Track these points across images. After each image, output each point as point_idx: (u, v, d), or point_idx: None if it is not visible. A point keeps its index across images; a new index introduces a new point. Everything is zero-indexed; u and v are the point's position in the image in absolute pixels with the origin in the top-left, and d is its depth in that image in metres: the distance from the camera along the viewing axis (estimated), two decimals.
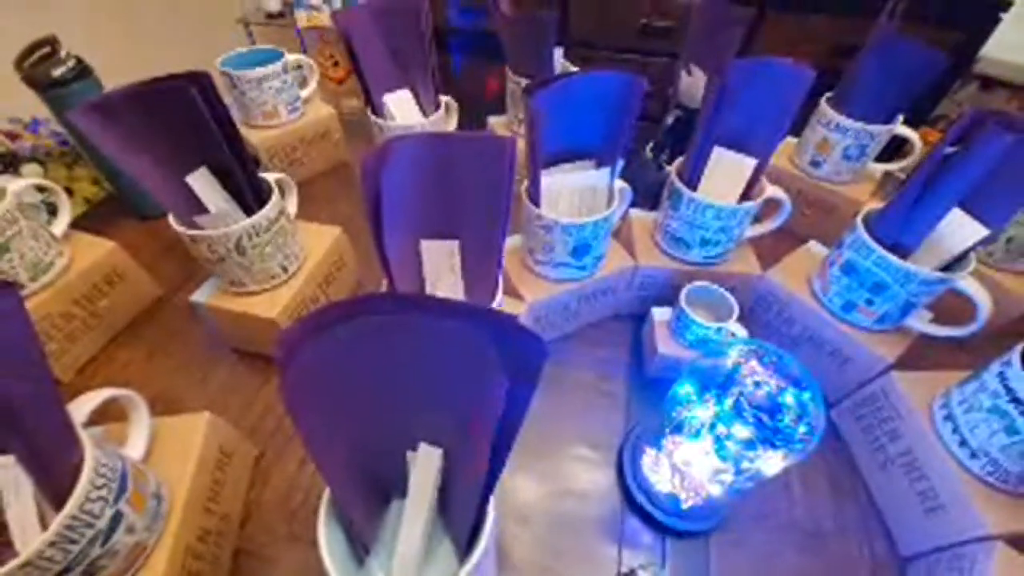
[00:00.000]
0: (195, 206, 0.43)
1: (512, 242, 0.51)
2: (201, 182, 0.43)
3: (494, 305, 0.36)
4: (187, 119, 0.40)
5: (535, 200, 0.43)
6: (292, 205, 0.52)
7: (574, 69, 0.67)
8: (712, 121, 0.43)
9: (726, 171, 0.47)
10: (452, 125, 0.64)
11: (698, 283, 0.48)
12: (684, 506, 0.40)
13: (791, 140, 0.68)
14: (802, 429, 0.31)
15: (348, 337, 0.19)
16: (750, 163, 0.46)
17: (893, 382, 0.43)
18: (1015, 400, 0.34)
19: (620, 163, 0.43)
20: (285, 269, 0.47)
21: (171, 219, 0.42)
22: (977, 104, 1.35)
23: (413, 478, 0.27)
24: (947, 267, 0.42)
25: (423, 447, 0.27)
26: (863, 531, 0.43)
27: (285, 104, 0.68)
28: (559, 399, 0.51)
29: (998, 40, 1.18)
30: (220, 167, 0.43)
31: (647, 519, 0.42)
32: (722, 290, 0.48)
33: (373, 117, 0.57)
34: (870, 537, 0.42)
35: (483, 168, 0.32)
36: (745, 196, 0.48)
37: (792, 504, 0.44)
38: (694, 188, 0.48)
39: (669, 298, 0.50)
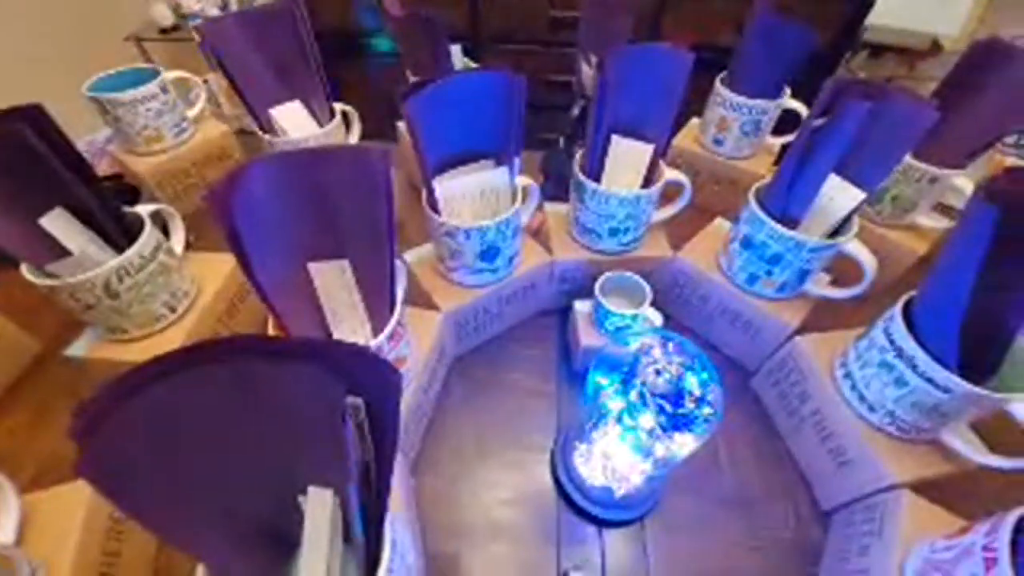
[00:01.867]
0: (58, 250, 0.39)
1: (424, 251, 0.50)
2: (58, 223, 0.39)
3: (392, 322, 0.34)
4: (25, 159, 0.35)
5: (433, 207, 0.42)
6: (178, 237, 0.47)
7: (475, 67, 0.66)
8: (601, 110, 0.43)
9: (626, 159, 0.47)
10: (355, 135, 0.61)
11: (612, 272, 0.48)
12: (618, 495, 0.40)
13: (696, 121, 0.70)
14: (706, 411, 0.31)
15: (169, 397, 0.17)
16: (647, 149, 0.47)
17: (797, 346, 0.44)
18: (900, 354, 0.36)
19: (517, 161, 0.42)
20: (173, 309, 0.43)
21: (24, 270, 0.38)
22: (870, 72, 1.45)
23: (306, 523, 0.25)
24: (837, 231, 0.44)
25: (311, 490, 0.25)
26: (788, 493, 0.44)
27: (169, 126, 0.62)
28: (493, 404, 0.50)
29: (882, 8, 1.26)
30: (79, 206, 0.39)
31: (583, 514, 0.42)
32: (636, 277, 0.48)
33: (261, 134, 0.53)
34: (795, 497, 0.44)
35: (357, 182, 0.31)
36: (648, 182, 0.48)
37: (720, 474, 0.45)
38: (598, 178, 0.48)
39: (590, 289, 0.50)
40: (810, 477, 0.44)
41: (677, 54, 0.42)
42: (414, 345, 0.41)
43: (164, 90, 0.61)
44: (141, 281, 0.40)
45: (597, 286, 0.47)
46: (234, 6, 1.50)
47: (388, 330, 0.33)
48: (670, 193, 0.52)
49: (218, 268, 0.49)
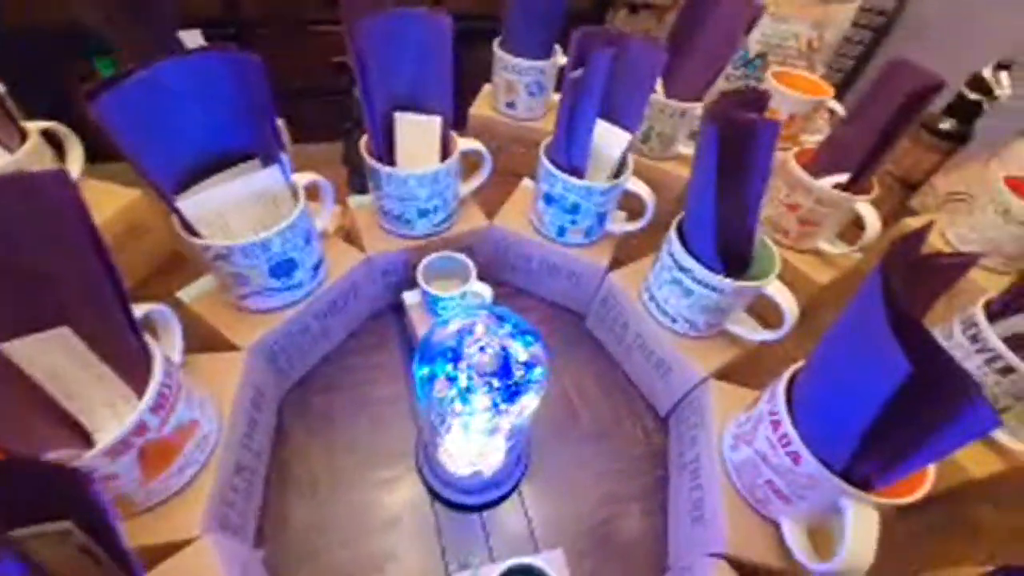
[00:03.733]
0: None
1: (203, 284, 0.41)
2: None
3: (151, 388, 0.27)
4: None
5: (191, 229, 0.34)
6: None
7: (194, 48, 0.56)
8: (367, 85, 0.39)
9: (415, 135, 0.45)
10: (75, 162, 0.47)
11: (432, 255, 0.46)
12: (488, 476, 0.40)
13: (488, 88, 0.70)
14: (537, 371, 0.32)
15: None
16: (435, 121, 0.45)
17: (610, 282, 0.49)
18: (682, 268, 0.41)
19: (286, 157, 0.37)
20: None
21: None
22: (630, 26, 1.64)
23: None
24: (620, 172, 0.48)
25: None
26: (634, 413, 0.49)
27: None
28: (344, 428, 0.45)
29: None
30: None
31: (463, 508, 0.41)
32: (456, 255, 0.47)
33: None
34: (640, 415, 0.49)
35: (37, 220, 0.23)
36: (445, 156, 0.47)
37: (576, 417, 0.48)
38: (392, 161, 0.45)
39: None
40: (646, 393, 0.50)
41: (434, 19, 0.40)
42: (210, 400, 0.34)
43: None
44: None
45: (418, 273, 0.45)
46: None
47: (148, 399, 0.27)
48: (473, 163, 0.52)
49: None
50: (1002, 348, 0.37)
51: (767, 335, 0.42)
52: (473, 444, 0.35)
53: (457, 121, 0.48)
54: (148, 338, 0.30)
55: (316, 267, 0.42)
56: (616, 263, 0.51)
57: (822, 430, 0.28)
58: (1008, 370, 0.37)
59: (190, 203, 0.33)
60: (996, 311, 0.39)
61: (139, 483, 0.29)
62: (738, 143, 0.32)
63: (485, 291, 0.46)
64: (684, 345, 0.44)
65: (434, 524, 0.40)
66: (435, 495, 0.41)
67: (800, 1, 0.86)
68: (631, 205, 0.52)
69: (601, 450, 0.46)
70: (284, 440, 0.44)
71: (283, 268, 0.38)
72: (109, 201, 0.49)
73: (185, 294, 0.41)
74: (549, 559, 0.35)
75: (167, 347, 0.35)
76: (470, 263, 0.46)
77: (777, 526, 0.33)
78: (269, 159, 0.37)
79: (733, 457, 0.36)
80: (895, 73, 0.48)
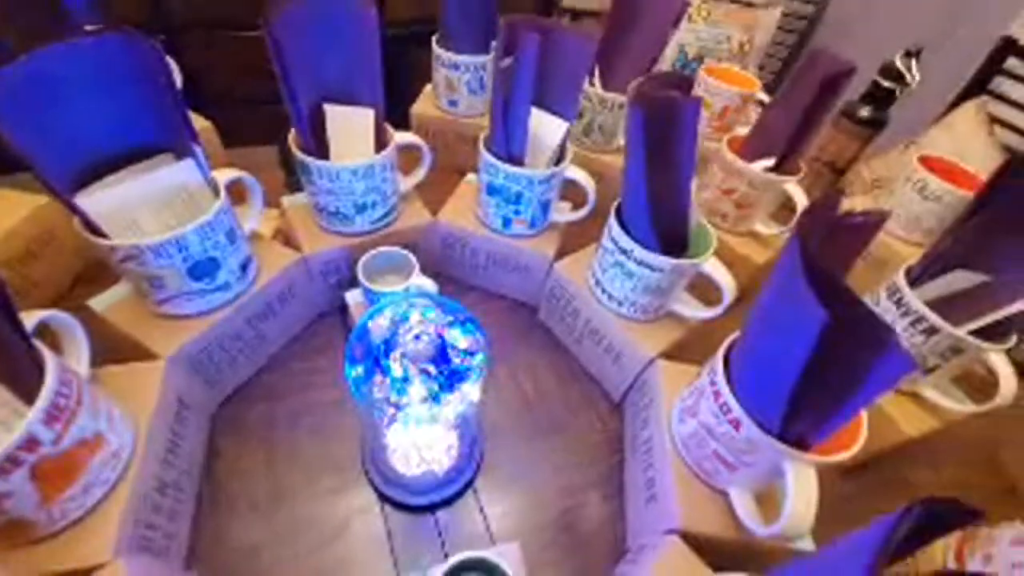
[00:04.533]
0: None
1: (118, 291, 0.38)
2: None
3: (44, 394, 0.25)
4: None
5: (95, 230, 0.31)
6: None
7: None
8: (288, 77, 0.38)
9: (347, 129, 0.43)
10: None
11: (372, 251, 0.45)
12: (441, 474, 0.39)
13: (429, 87, 0.69)
14: (479, 357, 0.31)
15: None
16: (367, 113, 0.44)
17: (557, 272, 0.48)
18: (623, 251, 0.41)
19: (200, 150, 0.35)
20: None
21: None
22: None
23: None
24: (561, 160, 0.48)
25: None
26: (589, 401, 0.49)
27: None
28: (285, 436, 0.42)
29: None
30: None
31: (414, 509, 0.39)
32: (398, 250, 0.45)
33: None
34: (595, 402, 0.49)
35: None
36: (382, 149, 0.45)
37: (531, 410, 0.47)
38: (325, 155, 0.44)
39: None
40: (600, 380, 0.49)
41: (357, 5, 0.39)
42: (123, 413, 0.31)
43: None
44: None
45: (359, 270, 0.43)
46: None
47: (39, 410, 0.24)
48: (414, 159, 0.51)
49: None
50: (924, 309, 0.39)
51: (709, 312, 0.42)
52: (418, 438, 0.34)
53: (390, 113, 0.47)
54: (41, 346, 0.27)
55: (243, 267, 0.39)
56: (563, 254, 0.51)
57: (757, 395, 0.28)
58: (932, 330, 0.39)
59: (91, 200, 0.30)
60: (916, 277, 0.41)
61: (38, 504, 0.26)
62: (663, 123, 0.33)
63: (429, 285, 0.45)
64: (632, 328, 0.44)
65: (385, 529, 0.38)
66: (385, 499, 0.39)
67: (731, 7, 0.92)
68: (574, 195, 0.53)
69: (557, 441, 0.46)
70: (218, 454, 0.41)
71: (204, 269, 0.36)
72: (15, 208, 0.45)
73: (97, 302, 0.38)
74: (503, 552, 0.33)
75: (71, 358, 0.32)
76: (412, 257, 0.45)
77: (727, 498, 0.33)
78: (182, 153, 0.34)
79: (681, 431, 0.36)
80: (813, 62, 0.50)
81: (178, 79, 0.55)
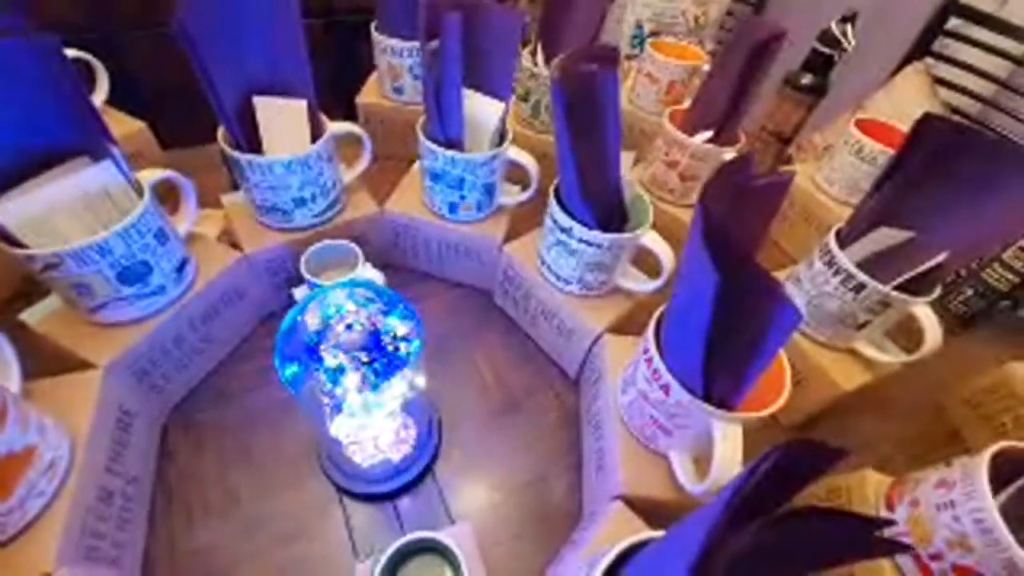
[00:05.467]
0: None
1: (47, 303, 0.37)
2: None
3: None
4: None
5: (11, 240, 0.30)
6: None
7: None
8: (204, 66, 0.36)
9: (279, 121, 0.43)
10: None
11: (315, 245, 0.45)
12: (397, 462, 0.39)
13: (374, 75, 0.68)
14: (416, 344, 0.31)
15: None
16: (299, 104, 0.43)
17: (507, 256, 0.49)
18: (563, 230, 0.41)
19: (118, 151, 0.34)
20: None
21: None
22: (532, 13, 1.66)
23: None
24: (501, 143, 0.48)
25: None
26: (545, 380, 0.50)
27: None
28: (239, 438, 0.42)
29: None
30: None
31: (373, 499, 0.40)
32: (341, 242, 0.45)
33: None
34: (551, 381, 0.49)
35: None
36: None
37: (488, 393, 0.48)
38: (258, 149, 0.43)
39: None
40: (556, 359, 0.50)
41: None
42: (57, 424, 0.31)
43: None
44: None
45: (302, 266, 0.43)
46: None
47: None
48: (356, 149, 0.50)
49: None
50: (851, 267, 0.40)
51: (652, 284, 0.43)
52: (366, 427, 0.34)
53: (340, 107, 0.46)
54: None
55: (179, 269, 0.39)
56: (514, 236, 0.51)
57: (681, 359, 0.29)
58: (860, 287, 0.40)
59: (2, 209, 0.29)
60: (847, 236, 0.42)
61: None
62: (583, 96, 0.33)
63: (377, 276, 0.45)
64: (580, 305, 0.45)
65: (344, 521, 0.39)
66: (344, 491, 0.40)
67: None
68: (521, 177, 0.53)
69: (516, 421, 0.46)
70: (170, 460, 0.40)
71: (135, 273, 0.35)
72: None
73: (29, 315, 0.37)
74: (454, 532, 0.34)
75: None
76: (356, 248, 0.45)
77: (668, 461, 0.34)
78: (99, 155, 0.33)
79: (623, 400, 0.37)
80: (745, 30, 0.51)
81: (104, 80, 0.54)
